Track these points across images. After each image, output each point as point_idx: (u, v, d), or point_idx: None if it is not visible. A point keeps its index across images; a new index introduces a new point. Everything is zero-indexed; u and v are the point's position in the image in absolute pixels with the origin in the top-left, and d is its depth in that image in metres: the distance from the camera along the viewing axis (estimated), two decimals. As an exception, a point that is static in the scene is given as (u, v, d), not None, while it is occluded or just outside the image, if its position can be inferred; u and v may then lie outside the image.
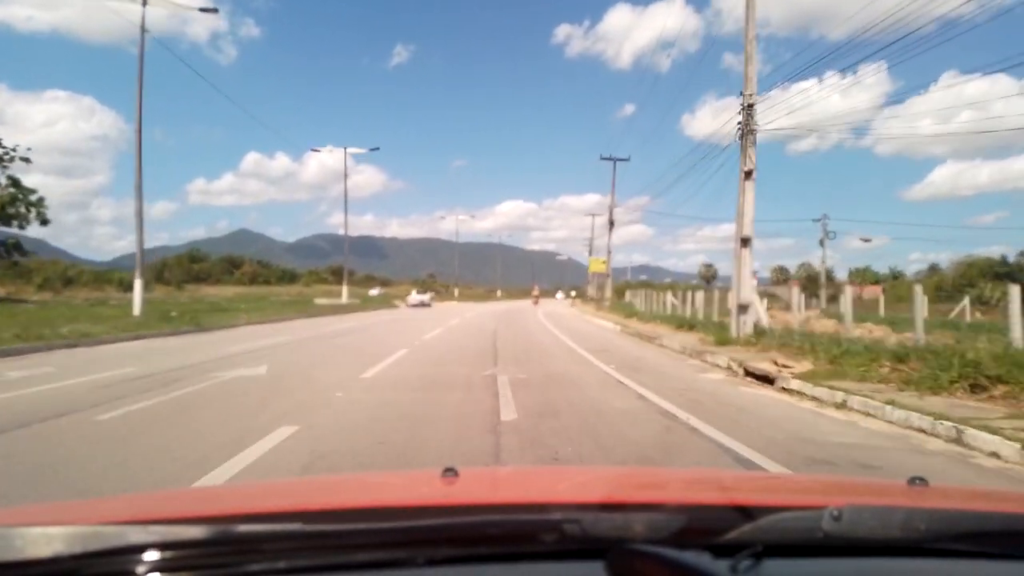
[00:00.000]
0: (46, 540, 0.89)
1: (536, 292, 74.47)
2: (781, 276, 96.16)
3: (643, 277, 78.63)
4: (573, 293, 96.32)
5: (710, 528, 1.00)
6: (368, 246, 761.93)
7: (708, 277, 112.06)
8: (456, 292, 77.99)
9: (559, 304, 62.29)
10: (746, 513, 1.04)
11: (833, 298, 45.16)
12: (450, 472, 1.37)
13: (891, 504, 1.24)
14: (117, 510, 1.31)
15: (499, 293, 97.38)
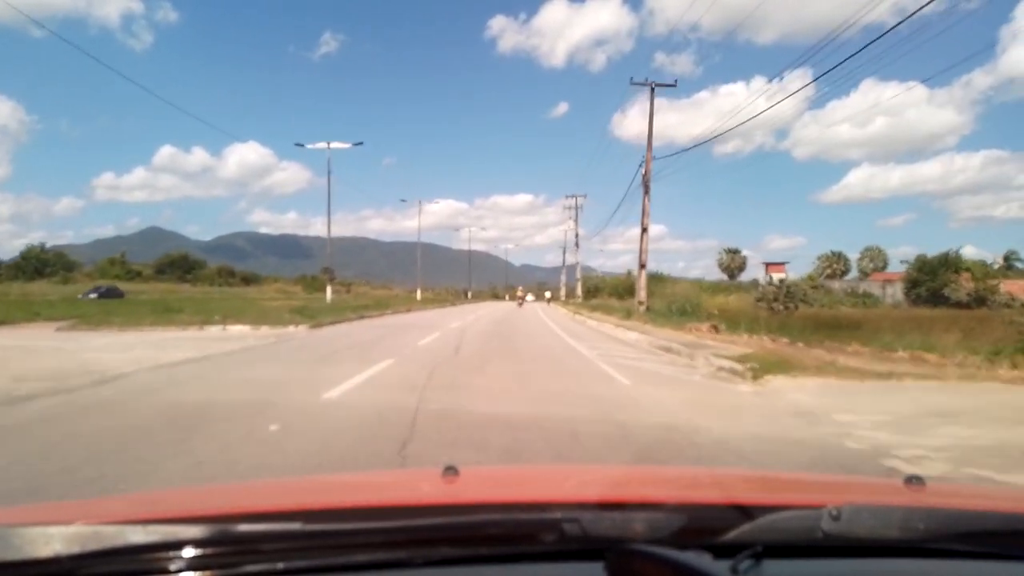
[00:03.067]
0: (45, 540, 0.88)
1: (521, 292, 64.07)
2: (837, 268, 68.61)
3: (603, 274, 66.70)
4: (548, 294, 77.30)
5: (710, 528, 1.00)
6: (291, 245, 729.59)
7: (733, 269, 77.51)
8: (329, 293, 36.49)
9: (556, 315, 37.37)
10: (745, 512, 1.03)
11: (982, 301, 33.64)
12: (450, 471, 1.35)
13: (889, 503, 1.25)
14: (116, 510, 1.31)
15: (419, 294, 64.53)
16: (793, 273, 62.28)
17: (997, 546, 1.06)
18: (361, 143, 35.80)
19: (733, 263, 79.05)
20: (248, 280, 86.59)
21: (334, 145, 34.09)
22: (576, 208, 63.94)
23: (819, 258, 73.06)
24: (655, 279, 63.66)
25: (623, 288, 59.28)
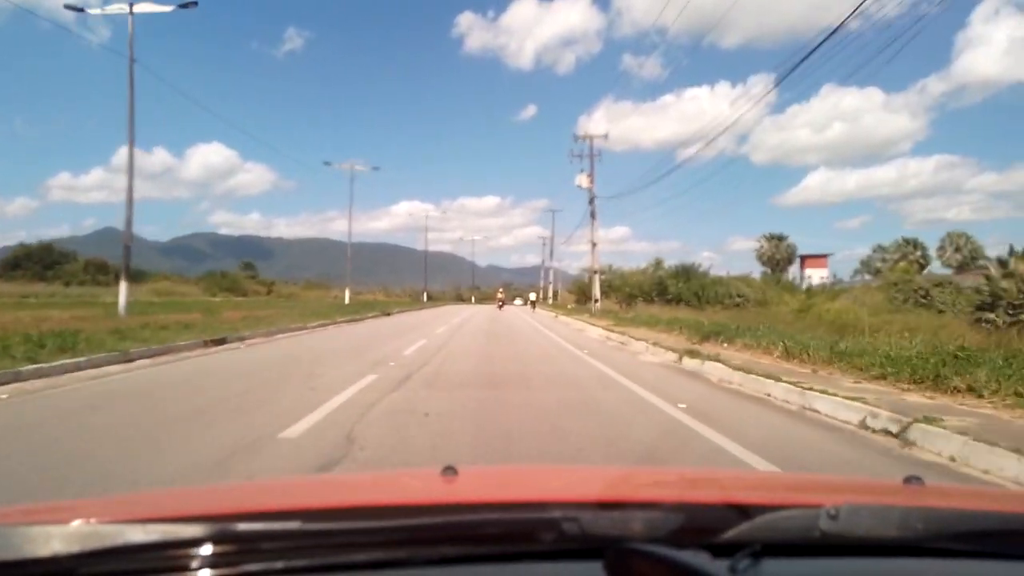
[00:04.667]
0: (44, 539, 0.88)
1: (502, 294, 55.64)
2: (913, 259, 48.93)
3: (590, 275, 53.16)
4: (533, 296, 59.17)
5: (708, 527, 1.01)
6: (252, 246, 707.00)
7: (778, 260, 54.43)
8: (124, 297, 19.68)
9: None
10: (743, 512, 1.04)
11: None
12: (449, 471, 1.36)
13: (887, 503, 1.26)
14: (115, 509, 1.29)
15: (347, 296, 45.46)
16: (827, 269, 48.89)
17: (995, 546, 1.05)
18: (191, 4, 22.14)
19: (778, 253, 55.77)
20: (129, 277, 61.50)
21: (140, 8, 19.91)
22: (592, 156, 36.07)
23: (876, 248, 53.73)
24: (709, 281, 38.90)
25: (649, 287, 39.00)
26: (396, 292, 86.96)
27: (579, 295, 54.50)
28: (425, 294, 75.48)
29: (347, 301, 42.16)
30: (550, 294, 70.02)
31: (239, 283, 57.68)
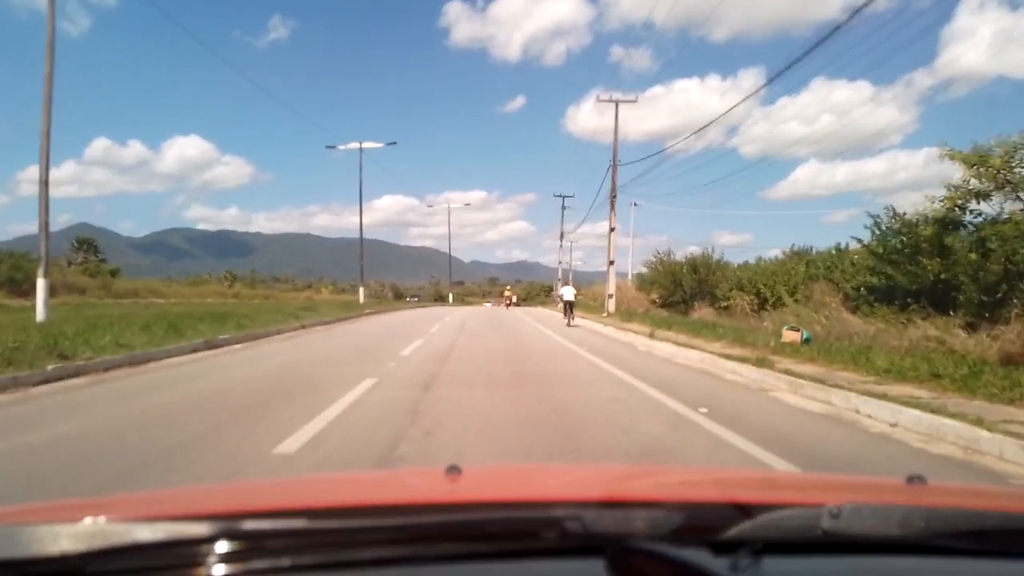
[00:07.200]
0: (52, 537, 0.90)
1: (509, 292, 52.11)
2: None
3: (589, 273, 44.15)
4: (569, 294, 25.95)
5: (710, 525, 1.02)
6: (231, 241, 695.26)
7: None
8: None
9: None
10: (745, 511, 1.05)
11: None
12: (453, 469, 1.37)
13: (890, 502, 1.26)
14: (123, 507, 1.31)
15: (40, 307, 13.44)
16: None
17: (997, 544, 1.06)
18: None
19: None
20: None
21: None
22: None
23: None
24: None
25: None
26: (370, 288, 78.69)
27: (667, 291, 33.18)
28: (362, 291, 44.70)
29: (40, 318, 14.12)
30: (610, 288, 31.38)
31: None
